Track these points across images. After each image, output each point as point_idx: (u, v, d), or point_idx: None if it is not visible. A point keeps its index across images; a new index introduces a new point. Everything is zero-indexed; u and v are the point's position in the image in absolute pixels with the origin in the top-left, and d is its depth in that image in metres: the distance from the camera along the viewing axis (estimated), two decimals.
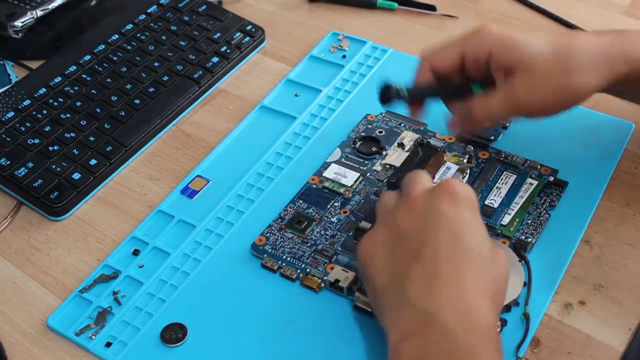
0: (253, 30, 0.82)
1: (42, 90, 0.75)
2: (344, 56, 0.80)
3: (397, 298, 0.48)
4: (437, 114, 0.65)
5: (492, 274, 0.48)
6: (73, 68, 0.77)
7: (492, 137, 0.68)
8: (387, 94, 0.60)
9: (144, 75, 0.77)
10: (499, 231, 0.60)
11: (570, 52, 0.57)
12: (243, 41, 0.81)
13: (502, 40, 0.58)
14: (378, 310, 0.51)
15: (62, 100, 0.74)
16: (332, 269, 0.59)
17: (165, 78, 0.76)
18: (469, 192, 0.51)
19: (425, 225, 0.49)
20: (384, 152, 0.68)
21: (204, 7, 0.84)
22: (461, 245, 0.48)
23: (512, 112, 0.58)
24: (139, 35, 0.81)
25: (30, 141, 0.70)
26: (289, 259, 0.61)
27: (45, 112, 0.73)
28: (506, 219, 0.61)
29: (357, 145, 0.69)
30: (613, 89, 0.60)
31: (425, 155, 0.67)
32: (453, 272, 0.47)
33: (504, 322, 0.54)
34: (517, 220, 0.61)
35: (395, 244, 0.50)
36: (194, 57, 0.79)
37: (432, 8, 0.85)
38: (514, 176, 0.64)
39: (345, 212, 0.64)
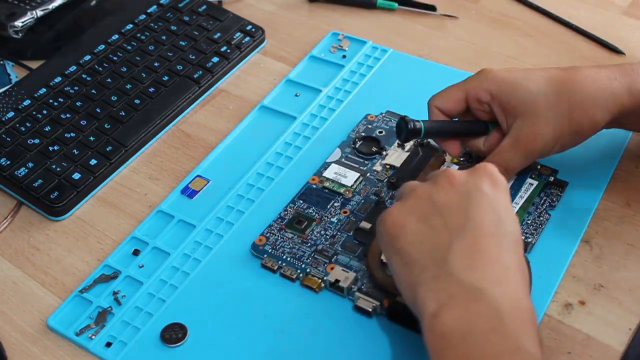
0: (253, 30, 0.82)
1: (42, 90, 0.75)
2: (344, 56, 0.80)
3: (437, 269, 0.47)
4: None
5: (523, 262, 0.49)
6: (73, 68, 0.77)
7: None
8: (404, 128, 0.60)
9: (144, 75, 0.77)
10: None
11: (572, 90, 0.58)
12: (243, 41, 0.81)
13: (504, 82, 0.59)
14: (410, 281, 0.49)
15: (62, 100, 0.74)
16: (332, 269, 0.59)
17: (165, 78, 0.76)
18: (504, 179, 0.52)
19: (468, 201, 0.49)
20: (384, 152, 0.68)
21: (204, 7, 0.84)
22: (504, 227, 0.48)
23: (523, 157, 0.59)
24: (139, 35, 0.81)
25: (30, 141, 0.70)
26: (289, 259, 0.61)
27: (45, 112, 0.73)
28: None
29: (357, 145, 0.69)
30: (618, 122, 0.60)
31: (425, 156, 0.67)
32: (496, 252, 0.47)
33: None
34: None
35: (432, 214, 0.50)
36: (194, 57, 0.79)
37: (432, 8, 0.85)
38: (514, 176, 0.64)
39: (345, 212, 0.64)
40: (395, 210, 0.51)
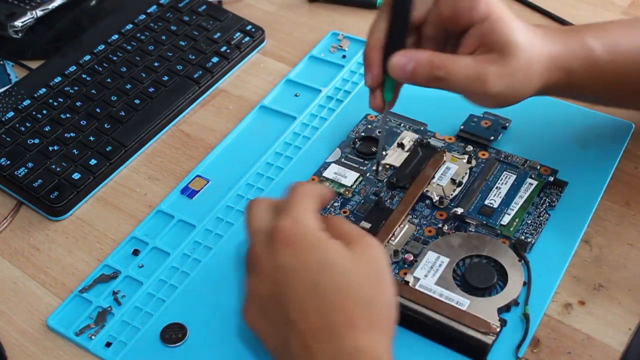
0: (253, 30, 0.82)
1: (42, 90, 0.75)
2: (344, 56, 0.80)
3: None
4: (437, 115, 0.65)
5: (365, 296, 0.45)
6: (73, 68, 0.77)
7: (492, 137, 0.68)
8: None
9: (144, 75, 0.77)
10: (499, 231, 0.60)
11: (532, 58, 0.54)
12: (243, 41, 0.81)
13: (499, 17, 0.53)
14: None
15: (62, 100, 0.74)
16: None
17: (165, 78, 0.76)
18: (303, 227, 0.46)
19: (278, 288, 0.46)
20: (384, 152, 0.68)
21: (204, 7, 0.84)
22: (320, 292, 0.45)
23: (473, 83, 0.53)
24: (139, 35, 0.81)
25: (30, 141, 0.71)
26: None
27: (45, 112, 0.73)
28: (506, 219, 0.61)
29: (356, 146, 0.69)
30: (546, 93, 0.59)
31: (425, 155, 0.67)
32: (323, 326, 0.44)
33: (503, 322, 0.54)
34: (516, 220, 0.61)
35: (265, 311, 0.47)
36: (194, 57, 0.79)
37: None
38: (514, 176, 0.64)
39: (345, 212, 0.64)
40: (245, 312, 0.49)
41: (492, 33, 0.53)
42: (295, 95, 0.77)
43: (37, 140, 0.71)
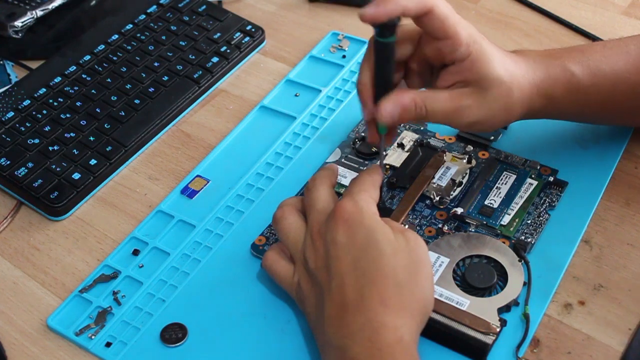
0: (253, 30, 0.82)
1: (42, 90, 0.75)
2: (344, 56, 0.80)
3: (322, 339, 0.50)
4: None
5: (401, 280, 0.49)
6: (73, 68, 0.77)
7: (492, 137, 0.68)
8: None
9: (144, 75, 0.77)
10: (499, 231, 0.60)
11: (512, 88, 0.57)
12: (243, 41, 0.81)
13: (478, 57, 0.55)
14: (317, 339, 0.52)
15: (62, 100, 0.74)
16: None
17: (165, 78, 0.76)
18: (360, 208, 0.51)
19: (328, 260, 0.51)
20: (384, 153, 0.68)
21: (204, 7, 0.84)
22: (361, 268, 0.49)
23: (450, 115, 0.56)
24: (139, 35, 0.81)
25: (30, 141, 0.71)
26: None
27: (45, 112, 0.73)
28: (506, 219, 0.61)
29: (356, 146, 0.69)
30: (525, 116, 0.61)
31: (425, 156, 0.67)
32: (357, 298, 0.48)
33: (504, 322, 0.54)
34: (517, 220, 0.61)
35: (312, 278, 0.52)
36: (193, 57, 0.79)
37: None
38: (514, 176, 0.64)
39: None
40: (297, 287, 0.54)
41: (470, 71, 0.56)
42: (295, 95, 0.77)
43: (37, 140, 0.71)
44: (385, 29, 0.52)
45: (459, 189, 0.64)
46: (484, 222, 0.61)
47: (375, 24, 0.52)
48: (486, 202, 0.62)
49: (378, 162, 0.63)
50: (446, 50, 0.55)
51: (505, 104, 0.57)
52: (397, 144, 0.68)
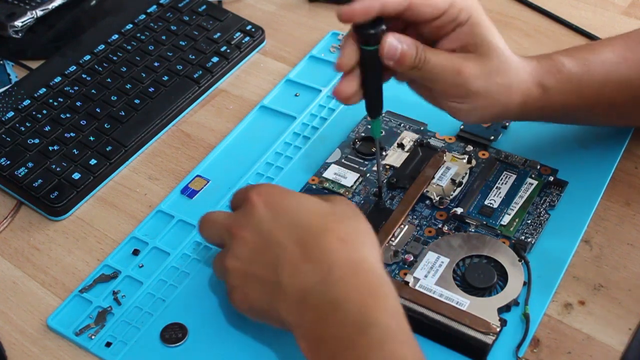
0: (253, 30, 0.82)
1: (42, 90, 0.75)
2: None
3: (288, 310, 0.49)
4: (437, 115, 0.65)
5: (344, 217, 0.50)
6: (73, 68, 0.77)
7: (492, 137, 0.68)
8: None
9: (144, 75, 0.77)
10: (499, 231, 0.60)
11: (511, 65, 0.57)
12: (243, 41, 0.81)
13: (477, 22, 0.55)
14: (268, 315, 0.51)
15: (62, 100, 0.74)
16: None
17: (165, 78, 0.76)
18: (266, 185, 0.53)
19: (261, 237, 0.50)
20: (384, 153, 0.68)
21: (204, 7, 0.84)
22: (300, 227, 0.49)
23: (449, 75, 0.55)
24: (139, 35, 0.81)
25: (30, 141, 0.71)
26: None
27: (45, 112, 0.73)
28: (506, 219, 0.61)
29: (356, 146, 0.69)
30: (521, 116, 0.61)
31: (425, 156, 0.67)
32: (306, 251, 0.48)
33: (504, 322, 0.54)
34: (517, 220, 0.61)
35: (251, 278, 0.51)
36: (193, 57, 0.79)
37: None
38: (514, 176, 0.64)
39: None
40: (237, 297, 0.52)
41: (470, 35, 0.54)
42: (295, 95, 0.77)
43: (37, 140, 0.71)
44: (368, 37, 0.52)
45: (459, 189, 0.64)
46: (484, 222, 0.61)
47: (353, 22, 0.51)
48: (486, 202, 0.62)
49: (376, 165, 0.63)
50: (446, 21, 0.53)
51: (505, 81, 0.56)
52: (397, 144, 0.68)
